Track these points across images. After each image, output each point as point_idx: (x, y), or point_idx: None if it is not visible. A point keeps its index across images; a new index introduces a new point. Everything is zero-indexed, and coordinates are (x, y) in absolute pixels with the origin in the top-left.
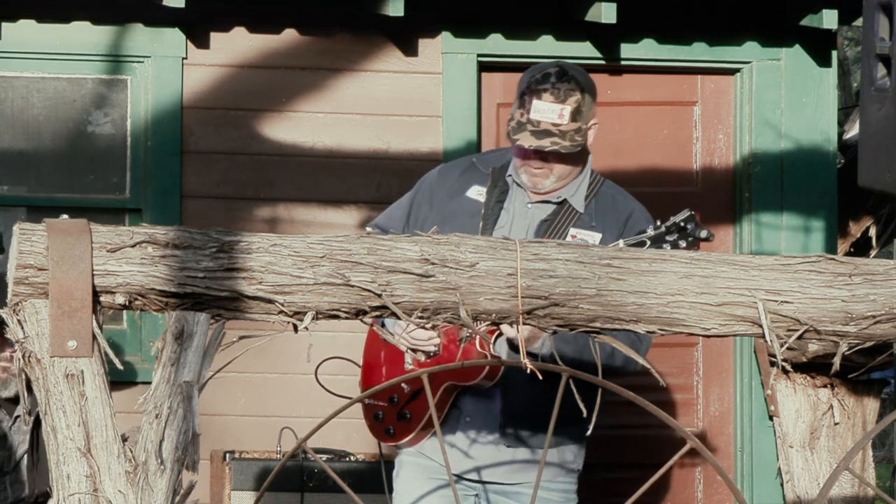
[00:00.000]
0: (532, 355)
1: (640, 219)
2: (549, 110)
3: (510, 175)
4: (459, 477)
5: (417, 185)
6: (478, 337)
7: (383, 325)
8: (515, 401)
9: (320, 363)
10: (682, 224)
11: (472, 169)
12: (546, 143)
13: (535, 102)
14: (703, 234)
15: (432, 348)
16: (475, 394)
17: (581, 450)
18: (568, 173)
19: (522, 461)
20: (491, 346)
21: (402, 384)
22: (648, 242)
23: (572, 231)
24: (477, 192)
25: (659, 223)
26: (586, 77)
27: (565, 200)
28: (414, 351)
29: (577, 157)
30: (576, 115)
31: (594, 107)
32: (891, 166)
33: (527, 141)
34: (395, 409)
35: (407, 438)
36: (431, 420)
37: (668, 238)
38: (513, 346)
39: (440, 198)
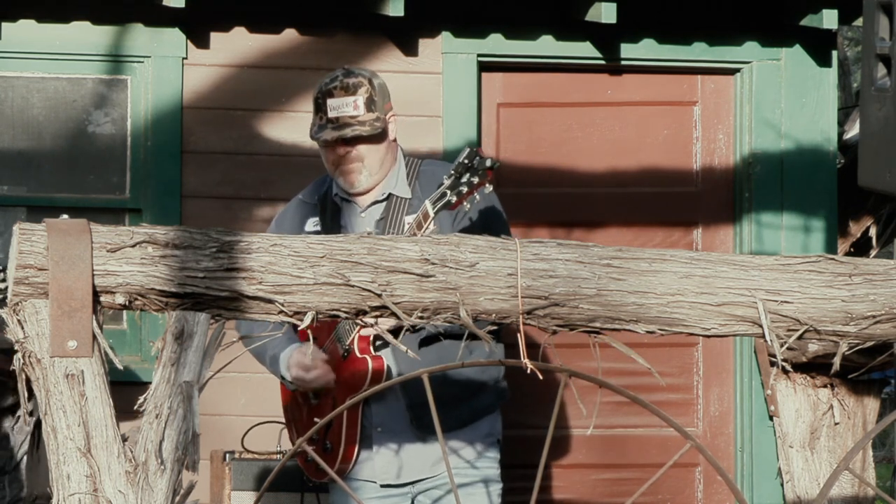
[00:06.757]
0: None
1: None
2: (343, 104)
3: (336, 194)
4: (391, 486)
5: None
6: (356, 340)
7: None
8: (416, 389)
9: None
10: (467, 163)
11: (302, 205)
12: (347, 132)
13: (329, 101)
14: (488, 162)
15: (331, 378)
16: (380, 403)
17: (493, 423)
18: (379, 165)
19: (438, 450)
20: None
21: (315, 419)
22: (448, 193)
23: (407, 219)
24: (313, 224)
25: (451, 171)
26: (373, 73)
27: (391, 194)
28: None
29: (383, 145)
30: (370, 104)
31: (389, 101)
32: (891, 166)
33: (329, 135)
34: (319, 447)
35: (337, 467)
36: (350, 439)
37: (462, 181)
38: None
39: None
